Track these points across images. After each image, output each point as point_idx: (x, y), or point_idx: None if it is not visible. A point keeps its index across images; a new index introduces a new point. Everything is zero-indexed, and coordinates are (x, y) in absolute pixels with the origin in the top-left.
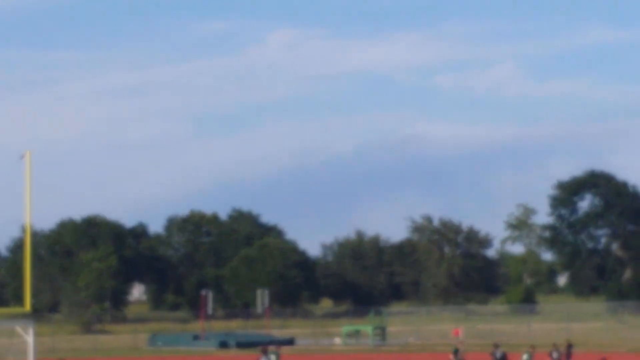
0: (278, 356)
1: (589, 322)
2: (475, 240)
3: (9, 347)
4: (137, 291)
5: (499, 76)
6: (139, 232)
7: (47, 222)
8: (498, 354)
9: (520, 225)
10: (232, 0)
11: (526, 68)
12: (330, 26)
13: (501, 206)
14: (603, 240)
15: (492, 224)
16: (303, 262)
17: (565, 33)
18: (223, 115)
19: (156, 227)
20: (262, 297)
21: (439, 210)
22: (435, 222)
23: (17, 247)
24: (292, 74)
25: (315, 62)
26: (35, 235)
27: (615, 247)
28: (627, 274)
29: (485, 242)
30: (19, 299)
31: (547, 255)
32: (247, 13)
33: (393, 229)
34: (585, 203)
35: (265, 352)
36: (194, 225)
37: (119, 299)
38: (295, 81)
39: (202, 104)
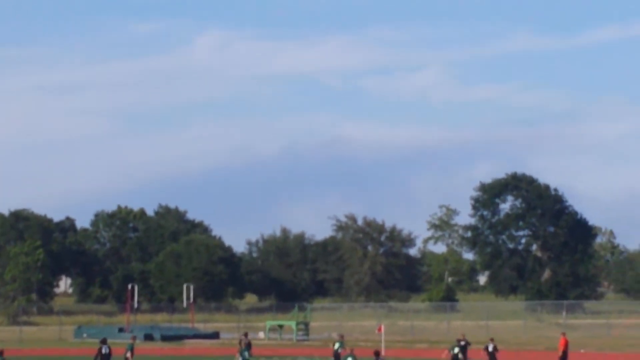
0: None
1: (508, 320)
2: (397, 239)
3: None
4: (64, 284)
5: (424, 81)
6: (67, 227)
7: None
8: (490, 347)
9: (442, 225)
10: (162, 2)
11: (452, 73)
12: (258, 29)
13: (424, 207)
14: (523, 241)
15: (414, 224)
16: (228, 258)
17: (490, 40)
18: (152, 115)
19: (83, 222)
20: (187, 292)
21: (363, 209)
22: (359, 221)
23: None
24: (220, 75)
25: (244, 64)
26: None
27: (535, 247)
28: (546, 274)
29: (408, 241)
30: None
31: (469, 255)
32: (177, 14)
33: (318, 227)
34: (506, 205)
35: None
36: (120, 221)
37: (45, 292)
38: (223, 82)
39: (131, 102)
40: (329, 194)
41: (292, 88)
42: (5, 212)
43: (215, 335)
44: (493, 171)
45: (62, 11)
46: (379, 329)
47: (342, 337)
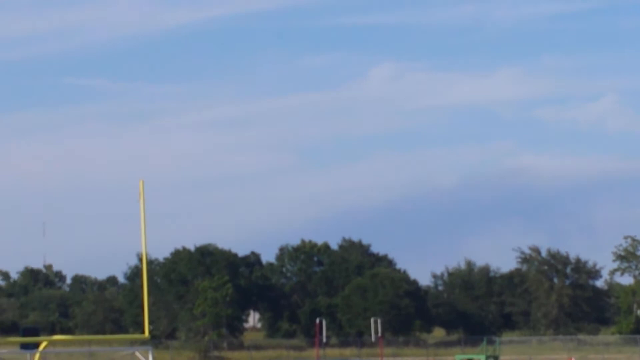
0: None
1: None
2: (583, 271)
3: None
4: (252, 319)
5: (601, 109)
6: (252, 261)
7: (162, 250)
8: None
9: (628, 256)
10: (335, 35)
11: (628, 101)
12: (431, 60)
13: (608, 238)
14: None
15: (599, 255)
16: (414, 291)
17: None
18: (329, 147)
19: (268, 256)
20: (375, 326)
21: (545, 241)
22: (543, 253)
23: (134, 275)
24: (395, 106)
25: (418, 95)
26: (151, 263)
27: None
28: None
29: (594, 273)
30: (137, 326)
31: None
32: (350, 47)
33: (501, 259)
34: None
35: None
36: (305, 255)
37: (235, 327)
38: (398, 114)
39: (307, 135)
40: (510, 225)
41: (467, 118)
42: (191, 247)
43: None
44: None
45: (238, 45)
46: None
47: None
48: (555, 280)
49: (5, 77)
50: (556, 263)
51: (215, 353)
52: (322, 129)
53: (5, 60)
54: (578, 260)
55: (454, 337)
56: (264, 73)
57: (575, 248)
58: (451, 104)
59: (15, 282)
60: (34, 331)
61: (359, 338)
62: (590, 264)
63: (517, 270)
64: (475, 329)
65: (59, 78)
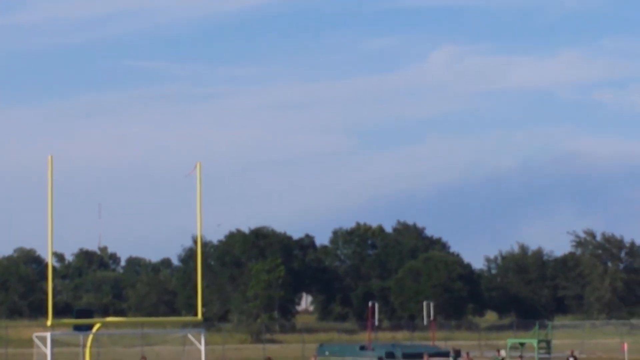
0: None
1: None
2: (637, 255)
3: (181, 354)
4: (304, 302)
5: None
6: (306, 244)
7: (217, 233)
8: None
9: None
10: (395, 19)
11: None
12: (491, 43)
13: None
14: None
15: None
16: (467, 275)
17: None
18: (387, 130)
19: (322, 239)
20: (427, 309)
21: (600, 224)
22: (598, 237)
23: (188, 257)
24: (454, 90)
25: (477, 79)
26: (205, 245)
27: None
28: None
29: None
30: (190, 308)
31: None
32: (410, 31)
33: (555, 243)
34: None
35: None
36: (359, 237)
37: (287, 309)
38: (457, 97)
39: (366, 118)
40: (565, 209)
41: (526, 102)
42: (246, 230)
43: (456, 354)
44: None
45: (298, 28)
46: (623, 347)
47: None
48: (609, 264)
49: (65, 61)
50: (611, 247)
51: (267, 336)
52: (381, 113)
53: (66, 45)
54: (632, 244)
55: (506, 321)
56: (323, 56)
57: (630, 232)
58: (510, 87)
59: (69, 264)
60: (87, 313)
61: (411, 321)
62: None
63: (571, 254)
64: (527, 313)
65: (118, 60)
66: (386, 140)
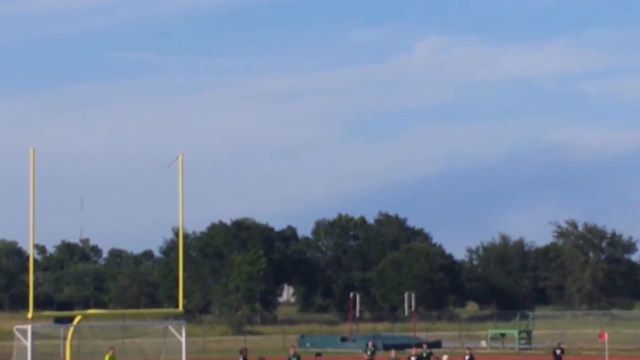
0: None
1: None
2: (619, 245)
3: (162, 347)
4: (286, 293)
5: None
6: (288, 235)
7: (199, 224)
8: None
9: None
10: (382, 9)
11: None
12: (477, 34)
13: None
14: None
15: (635, 230)
16: (449, 265)
17: None
18: (371, 121)
19: (304, 230)
20: (409, 300)
21: (582, 215)
22: (580, 227)
23: (169, 249)
24: (440, 80)
25: (463, 69)
26: (186, 237)
27: None
28: None
29: (629, 247)
30: (171, 300)
31: None
32: (396, 21)
33: (537, 233)
34: None
35: None
36: (341, 229)
37: (268, 301)
38: (443, 88)
39: (350, 109)
40: (547, 200)
41: (512, 93)
42: (228, 222)
43: (437, 344)
44: None
45: (287, 19)
46: (602, 337)
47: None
48: (591, 254)
49: (49, 53)
50: (592, 237)
51: (249, 327)
52: (368, 103)
53: (50, 37)
54: (614, 235)
55: (487, 311)
56: (311, 47)
57: (612, 223)
58: (495, 78)
59: (51, 256)
60: (68, 305)
61: (393, 313)
62: (626, 238)
63: (553, 245)
64: (508, 304)
65: (105, 52)
66: (371, 131)
